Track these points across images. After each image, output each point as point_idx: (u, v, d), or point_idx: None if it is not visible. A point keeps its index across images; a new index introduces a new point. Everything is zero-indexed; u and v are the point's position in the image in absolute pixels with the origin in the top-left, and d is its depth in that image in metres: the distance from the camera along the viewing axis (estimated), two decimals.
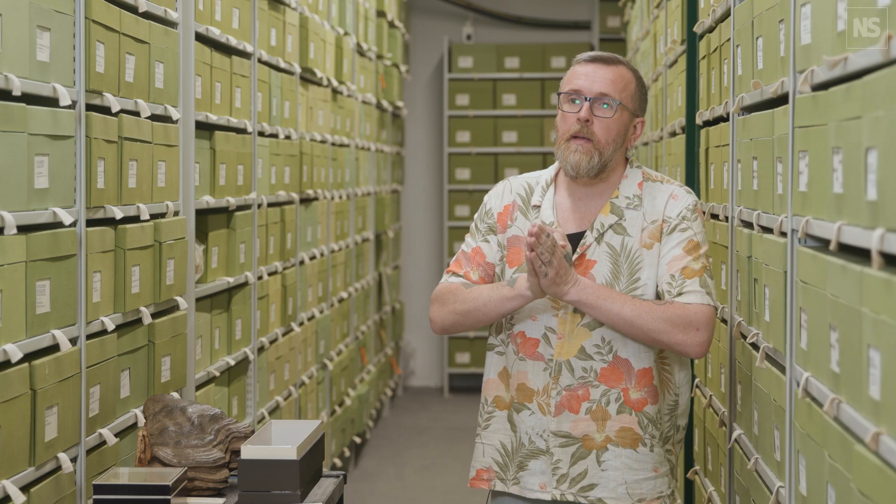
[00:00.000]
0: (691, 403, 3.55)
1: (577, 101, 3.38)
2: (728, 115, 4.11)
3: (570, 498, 3.37)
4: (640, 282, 3.34)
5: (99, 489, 3.36)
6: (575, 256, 3.37)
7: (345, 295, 8.03)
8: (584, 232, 3.40)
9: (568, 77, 3.43)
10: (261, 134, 5.71)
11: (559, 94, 3.42)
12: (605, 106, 3.37)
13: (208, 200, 4.83)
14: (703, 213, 3.49)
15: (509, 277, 3.42)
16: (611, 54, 3.44)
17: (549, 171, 3.51)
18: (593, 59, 3.42)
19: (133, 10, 4.04)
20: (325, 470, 3.89)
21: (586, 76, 3.39)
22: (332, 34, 7.43)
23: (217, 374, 4.96)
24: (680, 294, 3.32)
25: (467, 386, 11.11)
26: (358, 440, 8.36)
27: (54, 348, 3.41)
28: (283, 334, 6.17)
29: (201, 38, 4.80)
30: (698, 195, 4.82)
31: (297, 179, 6.45)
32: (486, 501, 3.52)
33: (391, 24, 9.99)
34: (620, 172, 3.44)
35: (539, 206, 3.45)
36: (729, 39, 4.07)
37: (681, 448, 3.51)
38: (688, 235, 3.38)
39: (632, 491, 3.36)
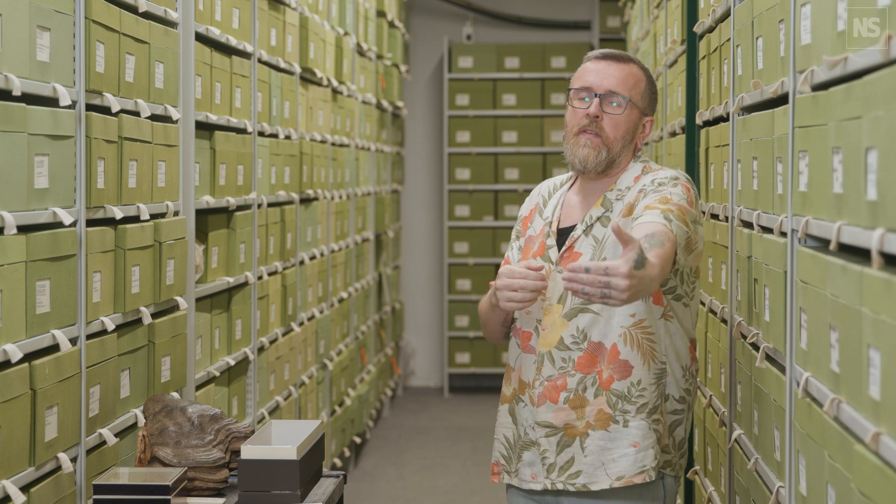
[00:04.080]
0: (695, 383, 3.49)
1: (587, 98, 3.40)
2: (728, 115, 4.11)
3: (560, 486, 3.39)
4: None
5: (99, 489, 3.36)
6: (563, 249, 3.40)
7: (345, 295, 8.03)
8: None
9: (578, 73, 3.45)
10: (261, 134, 5.71)
11: (569, 91, 3.44)
12: (614, 104, 3.39)
13: (208, 200, 4.83)
14: (694, 197, 3.35)
15: None
16: (622, 52, 3.46)
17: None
18: (605, 57, 3.44)
19: (133, 10, 4.04)
20: (325, 470, 3.89)
21: (597, 73, 3.41)
22: (332, 34, 7.43)
23: (217, 374, 4.96)
24: (636, 218, 3.24)
25: (467, 386, 11.11)
26: (358, 440, 8.36)
27: (54, 348, 3.41)
28: (283, 334, 6.17)
29: (201, 38, 4.80)
30: (698, 195, 4.81)
31: (297, 179, 6.45)
32: (506, 494, 3.58)
33: (391, 24, 9.99)
34: (625, 167, 3.45)
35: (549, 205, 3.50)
36: (729, 39, 4.07)
37: (678, 420, 3.43)
38: (662, 193, 3.29)
39: (609, 471, 3.34)
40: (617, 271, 2.87)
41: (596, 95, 3.38)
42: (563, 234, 3.44)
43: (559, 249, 3.42)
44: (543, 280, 3.25)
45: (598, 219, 3.40)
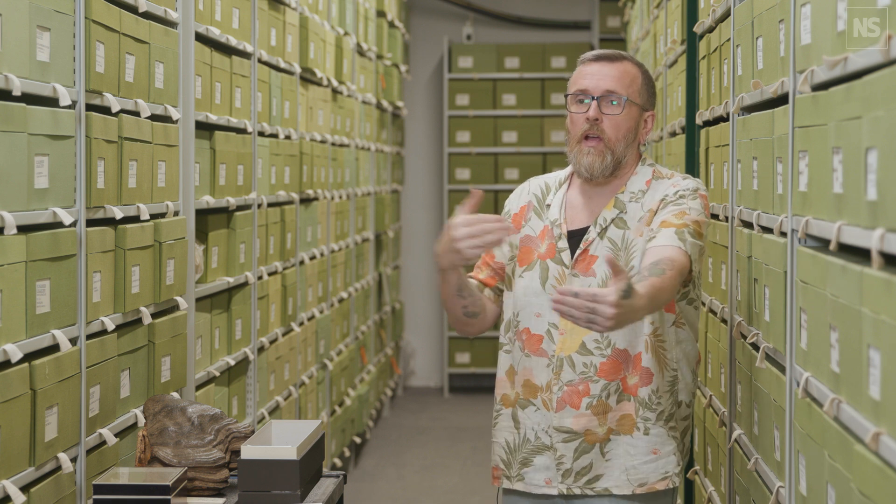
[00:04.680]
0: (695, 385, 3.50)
1: (585, 101, 3.39)
2: (728, 115, 4.11)
3: (578, 491, 3.38)
4: (634, 270, 3.33)
5: (99, 489, 3.36)
6: (578, 252, 3.38)
7: (345, 295, 8.03)
8: (588, 227, 3.41)
9: (574, 78, 3.44)
10: (261, 134, 5.71)
11: (566, 97, 3.43)
12: (613, 103, 3.38)
13: (208, 200, 4.83)
14: (708, 205, 3.42)
15: (519, 276, 3.43)
16: (615, 51, 3.44)
17: (567, 170, 3.53)
18: (597, 58, 3.43)
19: (133, 10, 4.04)
20: (325, 470, 3.89)
21: (592, 75, 3.40)
22: (332, 34, 7.43)
23: (217, 374, 4.96)
24: (651, 239, 3.28)
25: (467, 386, 11.11)
26: (358, 440, 8.36)
27: (54, 348, 3.41)
28: (283, 334, 6.17)
29: (201, 38, 4.80)
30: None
31: (297, 179, 6.45)
32: (497, 498, 3.54)
33: (391, 24, 9.99)
34: (633, 170, 3.45)
35: (551, 205, 3.47)
36: (729, 39, 4.07)
37: (688, 425, 3.47)
38: (681, 207, 3.33)
39: (631, 477, 3.36)
40: (605, 299, 2.91)
41: (593, 98, 3.38)
42: (571, 237, 3.43)
43: (572, 252, 3.41)
44: (505, 226, 3.21)
45: (613, 221, 3.39)
